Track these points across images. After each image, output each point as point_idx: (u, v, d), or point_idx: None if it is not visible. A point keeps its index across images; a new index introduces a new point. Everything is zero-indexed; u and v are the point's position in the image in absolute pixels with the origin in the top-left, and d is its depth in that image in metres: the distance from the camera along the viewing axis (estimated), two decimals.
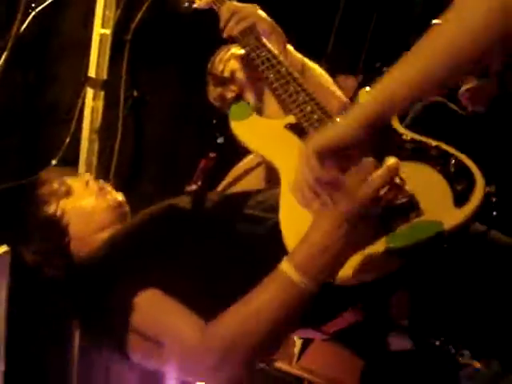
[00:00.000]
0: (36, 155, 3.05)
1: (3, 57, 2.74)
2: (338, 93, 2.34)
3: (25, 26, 2.81)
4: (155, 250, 1.51)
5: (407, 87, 1.14)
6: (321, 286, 1.26)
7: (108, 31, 2.94)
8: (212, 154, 1.94)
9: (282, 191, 1.42)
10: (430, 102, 2.94)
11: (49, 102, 3.08)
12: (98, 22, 2.92)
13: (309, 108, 1.51)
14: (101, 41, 2.93)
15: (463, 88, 3.03)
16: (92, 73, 2.94)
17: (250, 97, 2.48)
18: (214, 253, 1.49)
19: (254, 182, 1.88)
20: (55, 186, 1.75)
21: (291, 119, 1.53)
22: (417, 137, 1.39)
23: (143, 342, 1.40)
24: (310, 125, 1.48)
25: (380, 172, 1.19)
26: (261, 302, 1.29)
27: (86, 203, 1.73)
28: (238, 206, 1.62)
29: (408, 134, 1.41)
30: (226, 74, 2.51)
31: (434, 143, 1.35)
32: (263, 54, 1.69)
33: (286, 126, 1.53)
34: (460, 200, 1.23)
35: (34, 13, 2.80)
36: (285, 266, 1.27)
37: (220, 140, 2.32)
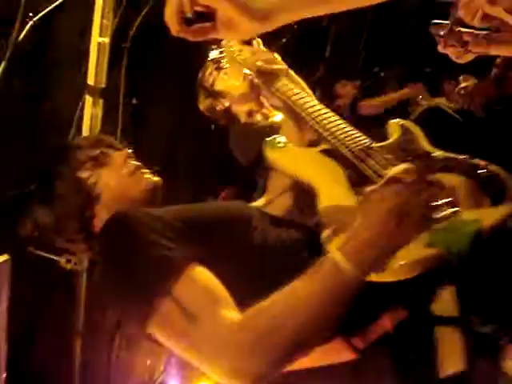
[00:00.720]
0: (36, 164, 3.06)
1: (1, 66, 2.75)
2: None
3: (23, 35, 2.82)
4: (214, 231, 1.44)
5: None
6: (367, 280, 1.24)
7: (106, 39, 2.95)
8: (229, 189, 1.97)
9: (319, 205, 1.45)
10: (428, 107, 2.95)
11: (48, 110, 3.09)
12: (95, 30, 2.93)
13: (341, 134, 1.57)
14: (99, 49, 2.94)
15: (460, 86, 3.05)
16: (91, 81, 2.94)
17: (239, 112, 2.50)
18: (259, 253, 1.44)
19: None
20: (96, 152, 1.67)
21: (325, 146, 1.58)
22: (447, 154, 1.48)
23: (174, 312, 1.27)
24: (347, 150, 1.52)
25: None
26: (304, 291, 1.24)
27: (121, 178, 1.65)
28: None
29: (439, 153, 1.50)
30: (216, 87, 2.54)
31: (462, 156, 1.44)
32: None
33: (321, 151, 1.58)
34: (495, 201, 1.30)
35: (31, 22, 2.80)
36: (334, 253, 1.25)
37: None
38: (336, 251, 1.25)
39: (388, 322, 1.30)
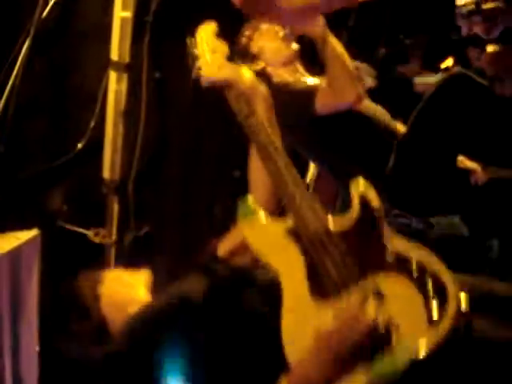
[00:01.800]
0: (62, 139, 3.09)
1: (27, 42, 2.77)
2: (356, 81, 2.34)
3: (47, 11, 2.83)
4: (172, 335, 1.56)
5: None
6: None
7: (129, 14, 2.95)
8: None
9: (284, 304, 1.47)
10: (453, 73, 2.91)
11: (73, 86, 3.10)
12: (118, 4, 2.93)
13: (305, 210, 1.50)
14: (122, 24, 2.94)
15: (487, 52, 2.99)
16: (114, 56, 2.95)
17: (273, 72, 2.51)
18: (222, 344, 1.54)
19: None
20: None
21: (289, 223, 1.52)
22: (401, 249, 1.43)
23: None
24: (306, 235, 1.48)
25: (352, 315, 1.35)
26: None
27: None
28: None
29: (393, 247, 1.44)
30: (252, 49, 2.54)
31: (415, 258, 1.40)
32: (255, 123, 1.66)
33: (287, 231, 1.52)
34: (434, 319, 1.32)
35: None
36: None
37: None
38: None
39: None
